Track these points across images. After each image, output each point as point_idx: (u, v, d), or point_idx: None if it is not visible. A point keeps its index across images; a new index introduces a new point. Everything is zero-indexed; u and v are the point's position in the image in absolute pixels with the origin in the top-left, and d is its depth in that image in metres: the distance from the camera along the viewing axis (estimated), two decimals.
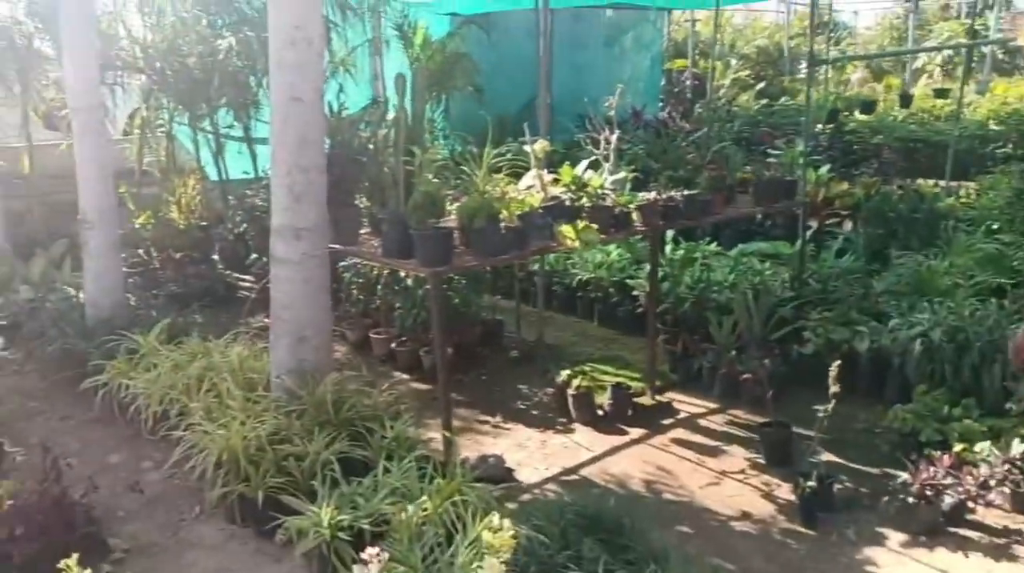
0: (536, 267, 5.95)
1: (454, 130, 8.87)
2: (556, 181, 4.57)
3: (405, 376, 5.14)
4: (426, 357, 5.10)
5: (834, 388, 3.50)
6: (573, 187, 4.52)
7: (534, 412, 4.64)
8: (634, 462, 4.03)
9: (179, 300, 5.96)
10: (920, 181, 8.43)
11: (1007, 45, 17.03)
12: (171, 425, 3.76)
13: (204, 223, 7.46)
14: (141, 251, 6.94)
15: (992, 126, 10.50)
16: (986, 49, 16.27)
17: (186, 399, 3.81)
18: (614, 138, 4.93)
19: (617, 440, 4.27)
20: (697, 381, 4.94)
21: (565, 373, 4.61)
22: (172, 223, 7.21)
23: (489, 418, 4.55)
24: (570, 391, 4.49)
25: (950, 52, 16.35)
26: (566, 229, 4.09)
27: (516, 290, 5.91)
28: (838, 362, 3.58)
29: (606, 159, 4.91)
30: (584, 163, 4.76)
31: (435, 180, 4.37)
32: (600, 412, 4.47)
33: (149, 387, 3.98)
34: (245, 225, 7.05)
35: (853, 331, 4.77)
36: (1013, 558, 3.18)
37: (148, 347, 4.40)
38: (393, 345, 5.33)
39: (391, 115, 4.71)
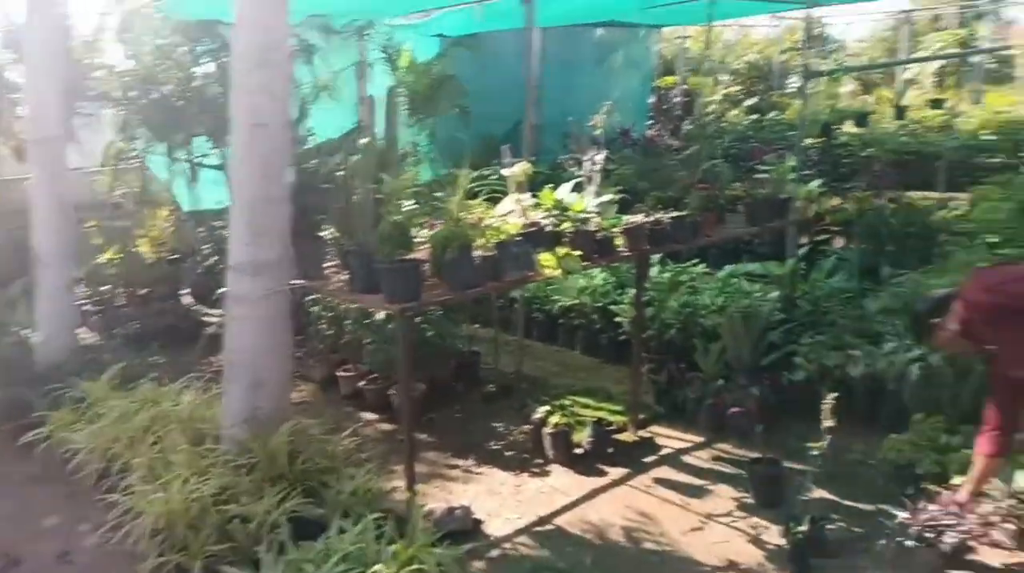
0: (516, 294, 5.71)
1: (440, 154, 8.69)
2: (537, 205, 4.35)
3: (372, 416, 4.86)
4: (396, 396, 4.84)
5: (828, 422, 3.27)
6: (555, 211, 4.29)
7: (509, 453, 4.37)
8: (614, 507, 3.76)
9: (140, 339, 5.71)
10: (912, 194, 8.22)
11: (999, 54, 16.91)
12: (111, 484, 3.48)
13: (175, 256, 7.23)
14: (107, 287, 6.70)
15: (985, 136, 10.31)
16: (977, 59, 16.12)
17: (129, 454, 3.54)
18: (599, 158, 4.70)
19: (596, 482, 4.00)
20: (683, 413, 4.68)
21: (542, 410, 4.35)
22: (140, 257, 6.98)
23: (460, 461, 4.28)
24: (547, 430, 4.23)
25: (942, 62, 16.18)
26: (545, 257, 3.88)
27: (494, 319, 5.67)
28: (833, 394, 3.34)
29: (590, 180, 4.69)
30: (566, 185, 4.54)
31: (411, 207, 4.15)
32: (579, 450, 4.20)
33: (92, 440, 3.71)
34: (215, 257, 6.81)
35: (846, 355, 4.53)
36: None
37: (97, 394, 4.14)
38: (361, 383, 5.06)
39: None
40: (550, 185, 4.51)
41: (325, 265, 4.05)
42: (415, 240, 3.79)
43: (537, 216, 4.20)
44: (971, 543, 3.17)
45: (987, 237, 5.81)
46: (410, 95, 7.28)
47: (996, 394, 3.06)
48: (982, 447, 3.09)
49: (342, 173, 4.26)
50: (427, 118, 7.45)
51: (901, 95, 13.94)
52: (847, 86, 16.05)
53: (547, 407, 4.40)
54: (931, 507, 3.20)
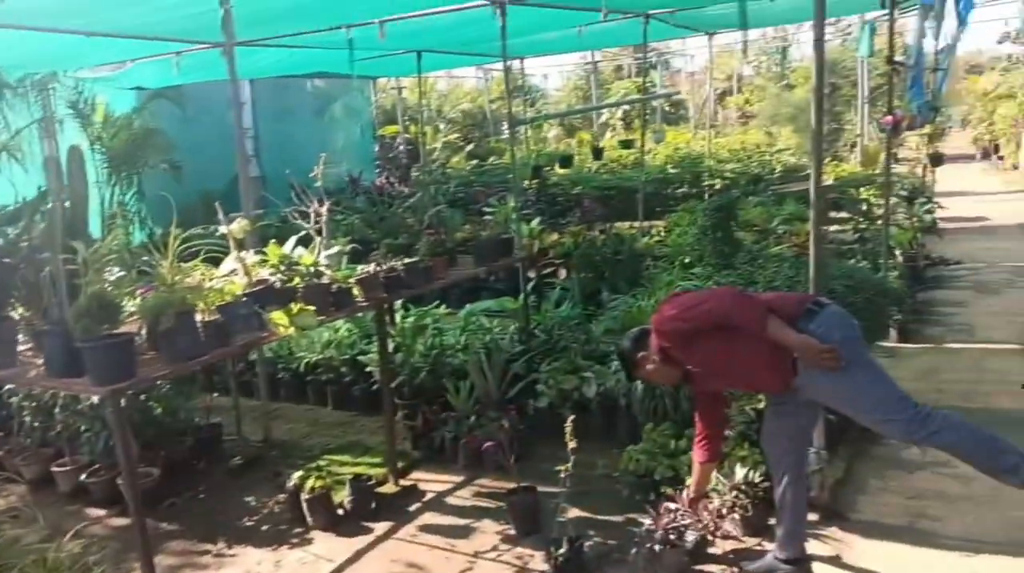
0: (255, 355, 5.41)
1: (151, 213, 8.03)
2: (263, 262, 4.15)
3: (101, 512, 4.30)
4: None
5: (572, 444, 3.46)
6: (282, 267, 4.13)
7: (265, 527, 4.09)
8: (381, 564, 3.66)
9: None
10: (619, 224, 9.16)
11: (672, 98, 19.49)
12: None
13: None
14: None
15: (670, 169, 11.81)
16: (656, 103, 18.46)
17: None
18: (324, 210, 4.63)
19: (361, 542, 3.87)
20: (442, 454, 4.72)
21: (297, 475, 4.13)
22: None
23: (210, 546, 3.91)
24: (304, 495, 4.02)
25: (628, 107, 18.30)
26: (277, 315, 3.69)
27: (233, 385, 5.32)
28: (572, 417, 3.56)
29: (319, 233, 4.59)
30: (292, 240, 4.39)
31: (117, 275, 3.74)
32: (340, 512, 4.05)
33: None
34: None
35: (581, 378, 4.85)
36: None
37: None
38: (83, 477, 4.46)
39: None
40: (274, 240, 4.35)
41: (18, 349, 3.53)
42: (124, 311, 3.44)
43: (264, 273, 4.03)
44: (708, 537, 3.54)
45: (683, 258, 6.64)
46: (109, 152, 6.71)
47: (698, 407, 3.42)
48: (696, 455, 3.44)
49: (27, 243, 3.77)
50: (131, 175, 6.90)
51: (598, 137, 15.53)
52: (552, 131, 17.55)
53: (301, 472, 4.20)
54: (671, 509, 3.51)
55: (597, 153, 13.39)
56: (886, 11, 9.82)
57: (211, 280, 3.80)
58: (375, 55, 9.47)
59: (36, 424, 4.71)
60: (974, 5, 7.12)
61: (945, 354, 5.80)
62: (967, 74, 24.36)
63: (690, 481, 3.57)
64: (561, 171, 12.25)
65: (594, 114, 16.28)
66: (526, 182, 10.36)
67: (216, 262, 4.15)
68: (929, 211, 8.75)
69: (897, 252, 7.36)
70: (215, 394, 5.46)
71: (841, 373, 2.97)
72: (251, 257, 4.16)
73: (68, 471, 4.54)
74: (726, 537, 3.57)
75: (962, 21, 7.11)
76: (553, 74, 24.51)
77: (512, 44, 6.15)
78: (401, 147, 15.04)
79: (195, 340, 3.33)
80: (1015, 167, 15.15)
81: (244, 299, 3.63)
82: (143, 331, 3.45)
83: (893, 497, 3.86)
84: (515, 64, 12.20)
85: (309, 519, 4.02)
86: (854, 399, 3.07)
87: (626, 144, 14.02)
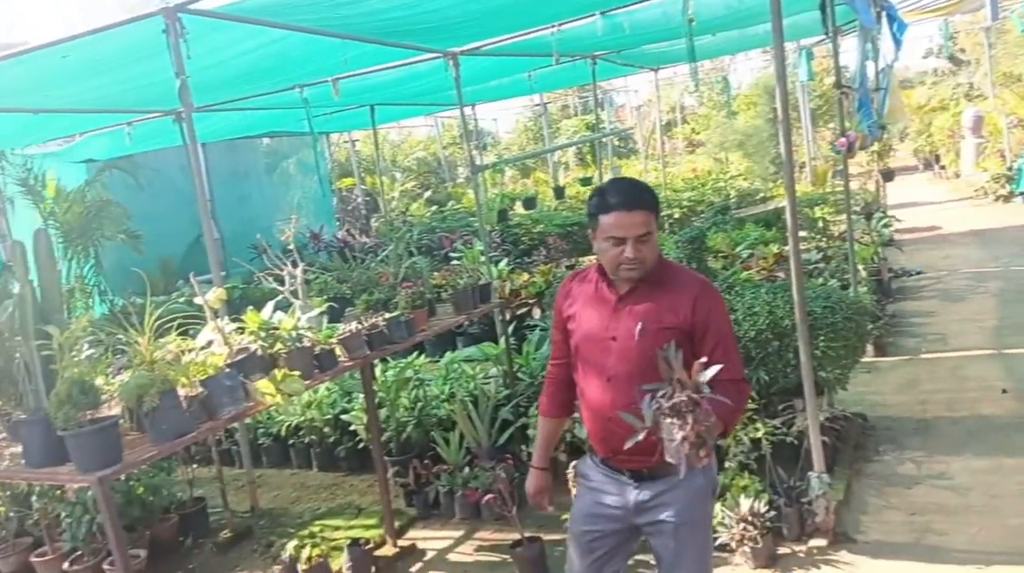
0: (236, 423, 5.25)
1: (110, 285, 7.87)
2: (241, 330, 4.05)
3: None
4: (112, 569, 4.13)
5: (575, 490, 3.40)
6: (263, 334, 4.04)
7: None
8: None
9: None
10: (584, 258, 9.22)
11: (623, 134, 19.84)
12: None
13: None
14: None
15: None
16: (606, 140, 18.78)
17: None
18: (299, 271, 4.56)
19: None
20: (437, 508, 4.62)
21: (291, 545, 3.99)
22: None
23: None
24: (301, 565, 3.88)
25: (580, 145, 18.59)
26: (263, 384, 3.58)
27: (215, 456, 5.15)
28: (573, 464, 3.51)
29: (295, 295, 4.52)
30: (270, 305, 4.30)
31: (89, 355, 3.61)
32: None
33: None
34: None
35: (571, 419, 4.81)
36: None
37: None
38: (66, 565, 4.25)
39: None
40: (250, 307, 4.25)
41: None
42: (103, 392, 3.32)
43: (244, 342, 3.93)
44: None
45: None
46: (63, 227, 6.59)
47: None
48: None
49: None
50: (87, 248, 6.79)
51: (555, 177, 15.71)
52: (508, 173, 17.70)
53: (295, 541, 4.06)
54: None
55: (559, 192, 13.56)
56: (822, 37, 10.21)
57: (189, 353, 3.70)
58: (329, 111, 9.50)
59: (12, 514, 4.50)
60: (907, 26, 7.43)
61: (923, 365, 5.90)
62: (899, 88, 25.33)
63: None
64: (524, 212, 12.34)
65: (550, 154, 16.50)
66: (489, 226, 10.40)
67: (186, 332, 4.04)
68: (887, 225, 8.98)
69: (861, 267, 7.51)
70: (195, 465, 5.29)
71: None
72: (228, 325, 4.06)
73: (49, 560, 4.32)
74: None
75: (897, 42, 7.42)
76: (502, 117, 24.86)
77: (464, 92, 6.24)
78: (359, 199, 15.03)
79: (180, 417, 3.21)
80: (957, 175, 15.68)
81: (227, 370, 3.52)
82: (124, 412, 3.32)
83: (896, 514, 3.87)
84: (468, 111, 12.33)
85: None
86: None
87: (585, 181, 14.21)
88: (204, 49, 4.37)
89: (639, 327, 2.21)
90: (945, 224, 11.36)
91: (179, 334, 3.81)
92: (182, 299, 7.48)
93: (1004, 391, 5.08)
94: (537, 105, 20.85)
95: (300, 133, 11.63)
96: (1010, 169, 12.77)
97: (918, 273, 8.41)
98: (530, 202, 12.84)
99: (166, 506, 4.69)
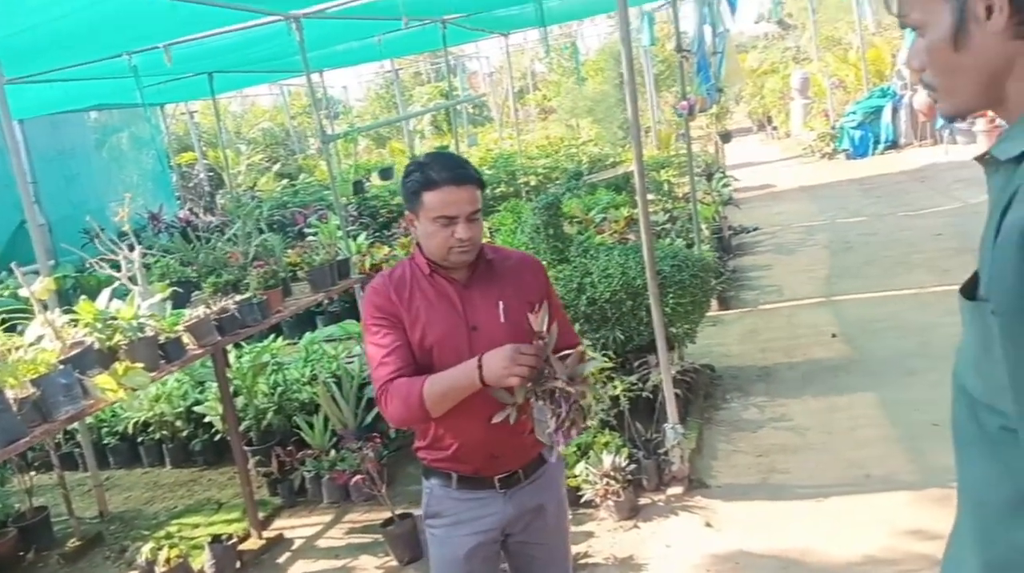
0: (76, 424, 4.87)
1: None
2: (75, 322, 3.73)
3: None
4: None
5: None
6: (99, 325, 3.74)
7: None
8: None
9: None
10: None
11: (476, 101, 19.80)
12: None
13: None
14: None
15: (486, 171, 11.97)
16: (460, 108, 18.68)
17: None
18: (136, 255, 4.25)
19: None
20: (303, 496, 4.50)
21: (147, 548, 3.77)
22: None
23: None
24: (159, 569, 3.67)
25: (435, 113, 18.39)
26: (103, 380, 3.33)
27: (55, 459, 4.76)
28: None
29: (133, 281, 4.21)
30: (106, 293, 3.99)
31: None
32: None
33: None
34: None
35: None
36: None
37: None
38: None
39: None
40: (84, 297, 3.93)
41: None
42: None
43: (79, 335, 3.63)
44: None
45: None
46: None
47: None
48: None
49: None
50: None
51: (411, 146, 15.47)
52: (362, 143, 17.26)
53: (151, 543, 3.83)
54: None
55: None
56: (664, 2, 10.52)
57: (17, 350, 3.37)
58: (163, 80, 8.88)
59: None
60: None
61: (761, 315, 6.33)
62: (735, 52, 26.71)
63: None
64: (380, 183, 12.09)
65: (404, 122, 16.23)
66: (344, 198, 10.12)
67: (13, 328, 3.69)
68: (726, 185, 9.50)
69: (703, 226, 7.92)
70: (33, 473, 4.87)
71: None
72: (59, 318, 3.73)
73: None
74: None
75: (732, 7, 7.80)
76: (353, 85, 24.19)
77: (310, 57, 5.98)
78: (201, 175, 14.22)
79: (11, 421, 2.94)
80: (788, 135, 16.80)
81: (61, 367, 3.25)
82: None
83: (744, 457, 4.15)
84: (315, 78, 11.89)
85: None
86: None
87: (440, 150, 14.08)
88: (10, 10, 3.94)
89: (501, 306, 2.08)
90: (778, 182, 12.18)
91: (4, 330, 3.49)
92: (7, 293, 6.84)
93: (833, 335, 5.54)
94: (388, 72, 20.42)
95: (131, 105, 10.80)
96: (834, 128, 13.81)
97: (755, 229, 8.97)
98: (387, 172, 12.59)
99: (2, 519, 4.31)
